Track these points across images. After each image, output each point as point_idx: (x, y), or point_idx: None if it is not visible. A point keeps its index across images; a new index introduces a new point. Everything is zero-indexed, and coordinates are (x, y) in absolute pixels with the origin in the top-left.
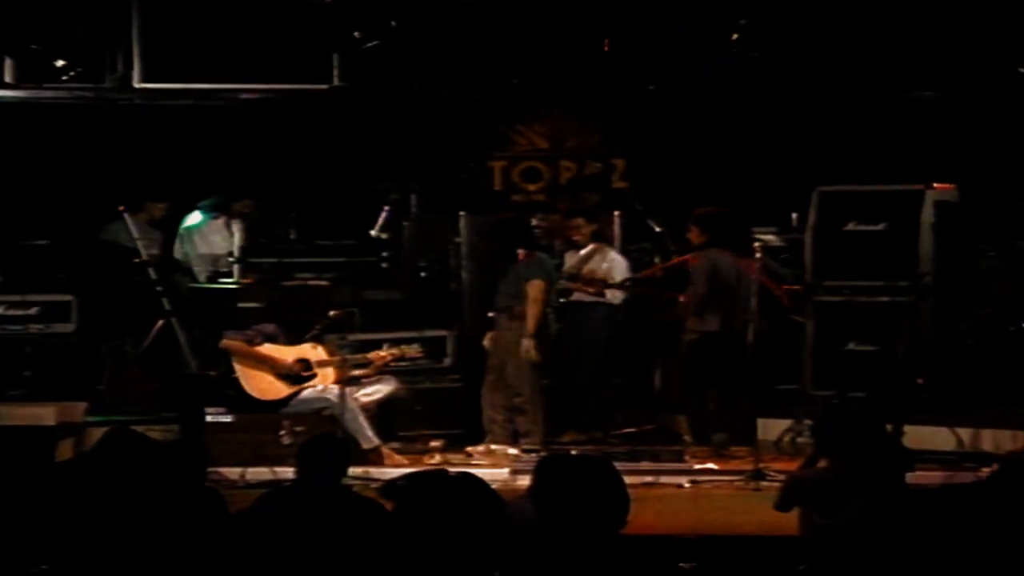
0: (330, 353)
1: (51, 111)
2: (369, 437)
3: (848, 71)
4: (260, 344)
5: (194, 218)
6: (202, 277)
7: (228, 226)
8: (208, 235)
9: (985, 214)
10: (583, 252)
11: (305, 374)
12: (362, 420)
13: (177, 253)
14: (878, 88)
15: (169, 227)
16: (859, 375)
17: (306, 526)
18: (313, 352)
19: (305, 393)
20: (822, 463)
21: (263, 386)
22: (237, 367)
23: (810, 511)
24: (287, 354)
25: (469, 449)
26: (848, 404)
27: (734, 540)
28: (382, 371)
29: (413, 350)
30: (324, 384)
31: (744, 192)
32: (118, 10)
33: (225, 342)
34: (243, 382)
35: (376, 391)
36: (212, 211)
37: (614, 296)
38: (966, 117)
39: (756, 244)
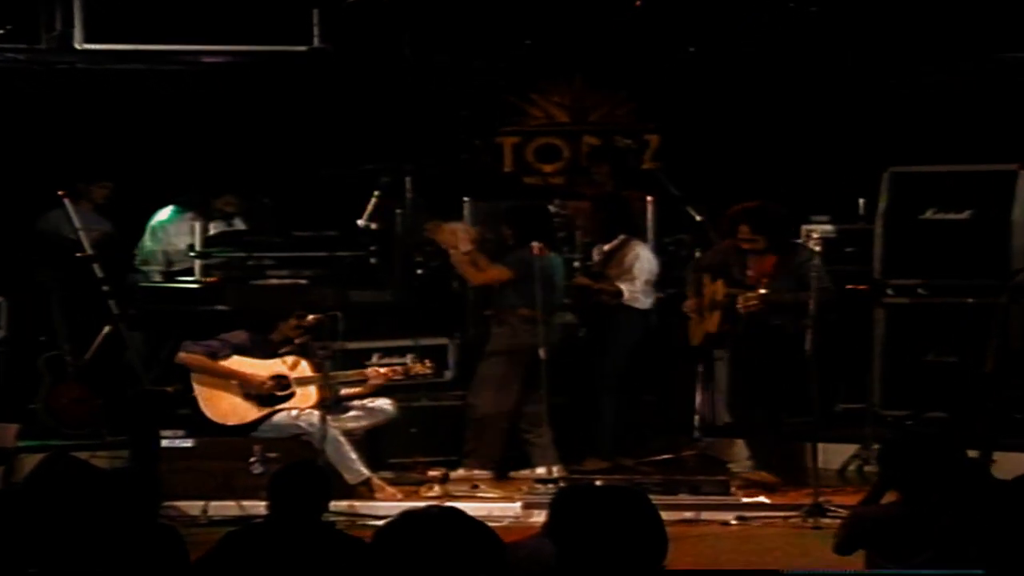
0: (315, 368)
1: None
2: (356, 470)
3: (928, 27)
4: (226, 357)
5: (163, 214)
6: (156, 276)
7: (192, 229)
8: (173, 235)
9: None
10: (607, 247)
11: (280, 393)
12: (347, 450)
13: (141, 250)
14: (964, 48)
15: (117, 214)
16: (938, 391)
17: (280, 570)
18: (293, 367)
19: (277, 417)
20: (890, 496)
21: (226, 408)
22: (196, 386)
23: (878, 555)
24: (260, 369)
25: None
26: (924, 426)
27: None
28: (377, 391)
29: (421, 366)
30: (301, 407)
31: (802, 174)
32: None
33: (182, 355)
34: (202, 404)
35: (366, 416)
36: (186, 208)
37: (633, 296)
38: None
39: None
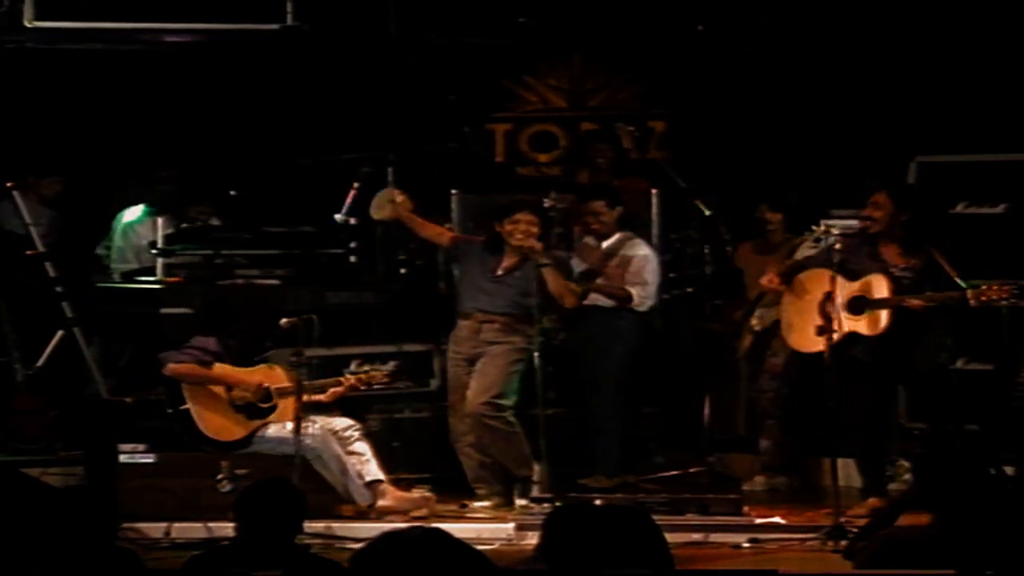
0: (290, 378)
1: None
2: (362, 492)
3: (960, 5)
4: (210, 365)
5: (133, 213)
6: (116, 276)
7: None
8: (143, 236)
9: None
10: (606, 244)
11: (263, 405)
12: (351, 469)
13: (112, 249)
14: (1002, 22)
15: (67, 208)
16: (971, 402)
17: None
18: (271, 376)
19: (271, 432)
20: (919, 518)
21: (218, 424)
22: (190, 401)
23: None
24: (246, 377)
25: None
26: (956, 439)
27: None
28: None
29: (381, 372)
30: (284, 419)
31: (820, 164)
32: None
33: (172, 366)
34: (197, 420)
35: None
36: (157, 209)
37: (642, 301)
38: None
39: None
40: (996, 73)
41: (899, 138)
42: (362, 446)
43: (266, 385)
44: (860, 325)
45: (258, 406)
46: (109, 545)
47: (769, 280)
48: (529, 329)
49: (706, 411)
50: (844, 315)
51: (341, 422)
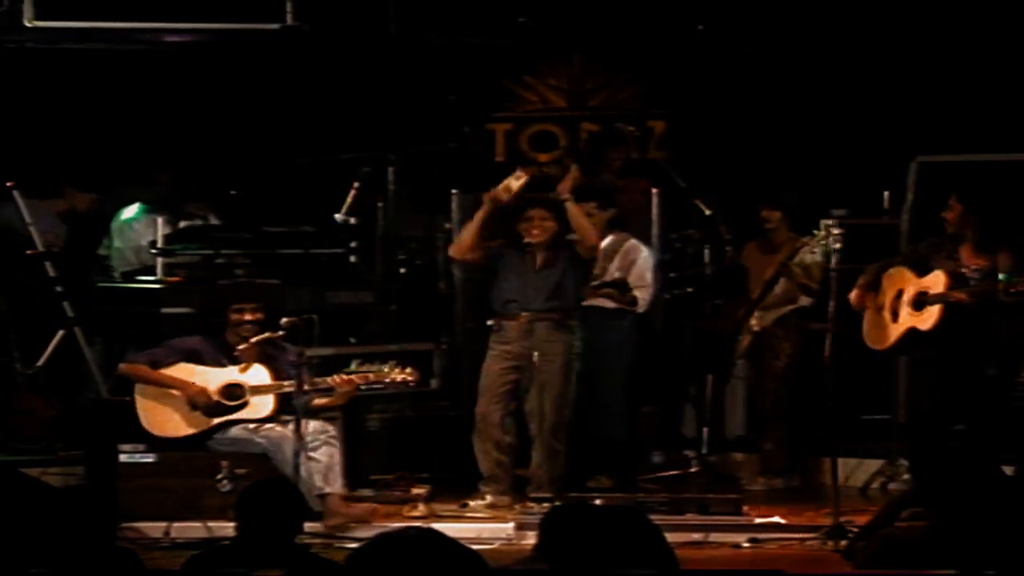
0: (275, 376)
1: None
2: (314, 497)
3: (960, 5)
4: (171, 364)
5: (130, 211)
6: (117, 275)
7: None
8: (142, 234)
9: None
10: (603, 245)
11: (229, 403)
12: (304, 474)
13: (110, 250)
14: (1002, 22)
15: (79, 216)
16: (970, 402)
17: None
18: (250, 374)
19: (234, 430)
20: (909, 518)
21: (165, 420)
22: (137, 398)
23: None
24: (210, 377)
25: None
26: (956, 439)
27: None
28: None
29: (397, 372)
30: (254, 418)
31: (820, 163)
32: None
33: (122, 367)
34: (141, 417)
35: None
36: (154, 206)
37: (645, 303)
38: None
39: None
40: (996, 73)
41: (899, 138)
42: (325, 451)
43: (234, 383)
44: (916, 321)
45: (222, 404)
46: (109, 545)
47: (856, 295)
48: (575, 324)
49: (706, 411)
50: (908, 311)
51: (312, 425)
